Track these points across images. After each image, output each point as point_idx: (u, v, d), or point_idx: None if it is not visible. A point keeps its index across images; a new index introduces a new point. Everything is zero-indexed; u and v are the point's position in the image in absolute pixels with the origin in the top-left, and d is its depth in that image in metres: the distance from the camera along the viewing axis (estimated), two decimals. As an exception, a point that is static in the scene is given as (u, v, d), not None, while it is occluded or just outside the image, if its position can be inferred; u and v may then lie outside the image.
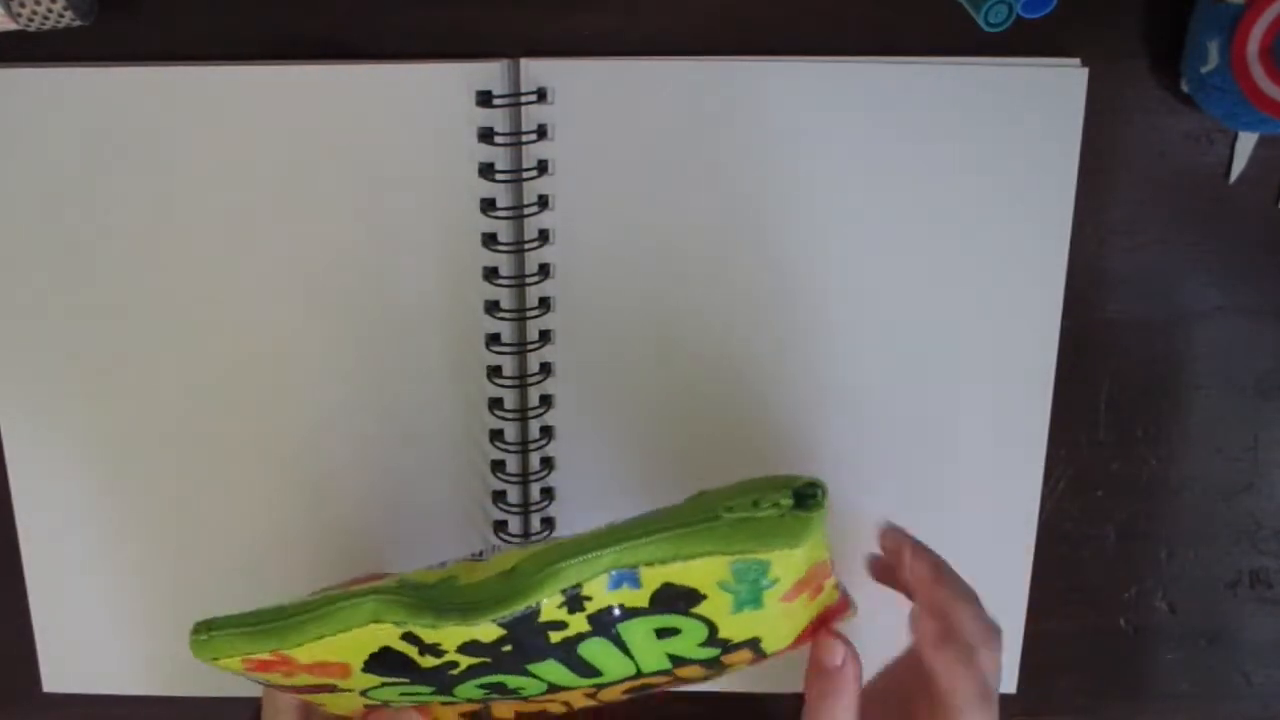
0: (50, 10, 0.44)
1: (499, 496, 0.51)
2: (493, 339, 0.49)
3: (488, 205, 0.48)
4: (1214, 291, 0.51)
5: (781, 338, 0.50)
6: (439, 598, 0.35)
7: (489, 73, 0.47)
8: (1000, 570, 0.53)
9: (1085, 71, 0.48)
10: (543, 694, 0.39)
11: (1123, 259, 0.51)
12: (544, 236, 0.49)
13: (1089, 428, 0.52)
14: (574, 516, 0.52)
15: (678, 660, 0.38)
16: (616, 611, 0.36)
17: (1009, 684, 0.54)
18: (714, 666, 0.39)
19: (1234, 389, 0.52)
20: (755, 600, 0.35)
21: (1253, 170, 0.50)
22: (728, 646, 0.38)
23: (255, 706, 0.53)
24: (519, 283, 0.49)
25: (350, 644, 0.36)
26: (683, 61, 0.47)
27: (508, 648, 0.36)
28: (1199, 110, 0.48)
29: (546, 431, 0.51)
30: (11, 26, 0.44)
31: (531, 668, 0.37)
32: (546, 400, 0.50)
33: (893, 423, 0.51)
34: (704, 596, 0.35)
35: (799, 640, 0.39)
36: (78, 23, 0.45)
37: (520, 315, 0.49)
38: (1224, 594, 0.55)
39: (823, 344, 0.50)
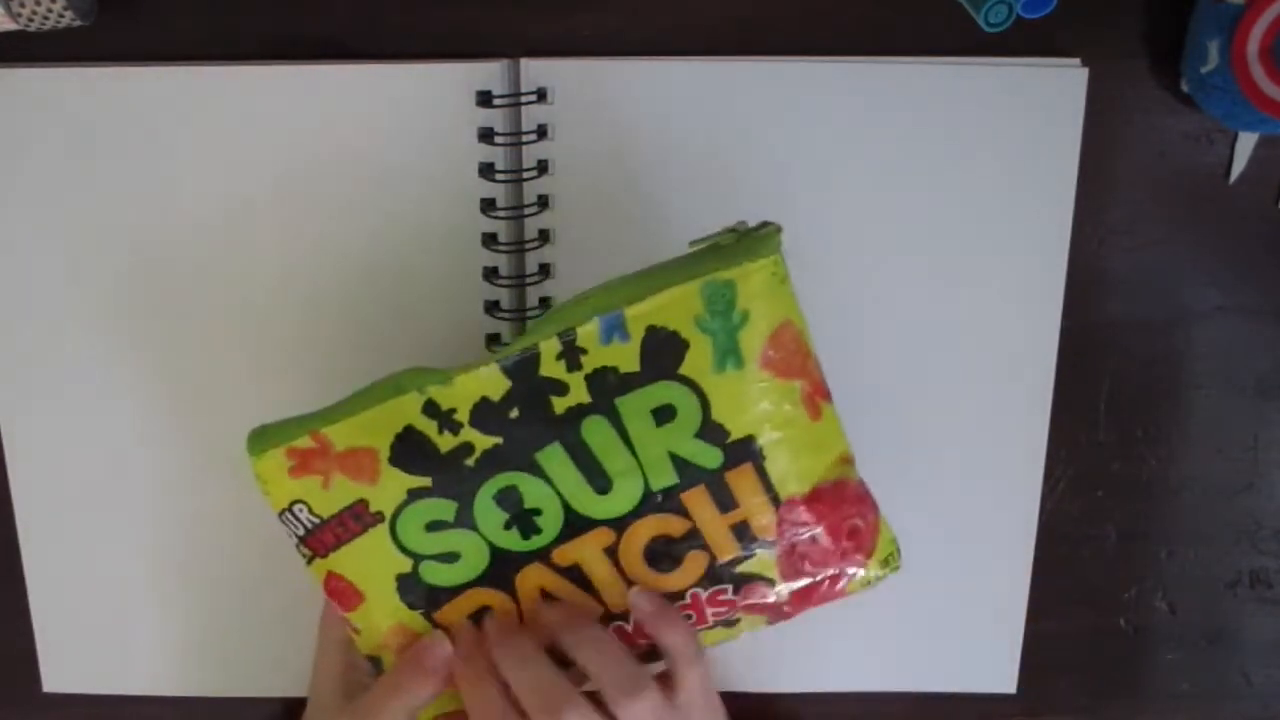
0: (50, 10, 0.44)
1: (499, 496, 0.51)
2: (493, 339, 0.49)
3: (488, 205, 0.48)
4: (1214, 291, 0.51)
5: (781, 338, 0.50)
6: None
7: (489, 73, 0.47)
8: (1000, 570, 0.53)
9: (1085, 71, 0.48)
10: (560, 527, 0.40)
11: (1123, 259, 0.51)
12: (544, 236, 0.49)
13: (1089, 428, 0.52)
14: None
15: (684, 470, 0.39)
16: (613, 379, 0.38)
17: (1009, 684, 0.54)
18: (725, 504, 0.40)
19: (1234, 389, 0.52)
20: (733, 351, 0.38)
21: (1253, 170, 0.50)
22: (728, 448, 0.39)
23: (270, 708, 0.54)
24: (519, 282, 0.49)
25: (380, 421, 0.40)
26: (683, 61, 0.47)
27: (515, 413, 0.39)
28: (1199, 110, 0.48)
29: (546, 431, 0.51)
30: (11, 26, 0.44)
31: (539, 458, 0.39)
32: (546, 400, 0.50)
33: (893, 422, 0.51)
34: (686, 343, 0.38)
35: (833, 535, 0.41)
36: (78, 23, 0.45)
37: (520, 315, 0.49)
38: (1224, 594, 0.55)
39: (822, 343, 0.50)
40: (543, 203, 0.48)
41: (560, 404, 0.39)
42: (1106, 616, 0.55)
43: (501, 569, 0.41)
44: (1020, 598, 0.53)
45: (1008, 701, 0.54)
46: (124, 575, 0.52)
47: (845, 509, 0.41)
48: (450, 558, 0.41)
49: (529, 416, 0.39)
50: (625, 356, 0.39)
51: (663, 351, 0.38)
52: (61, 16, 0.44)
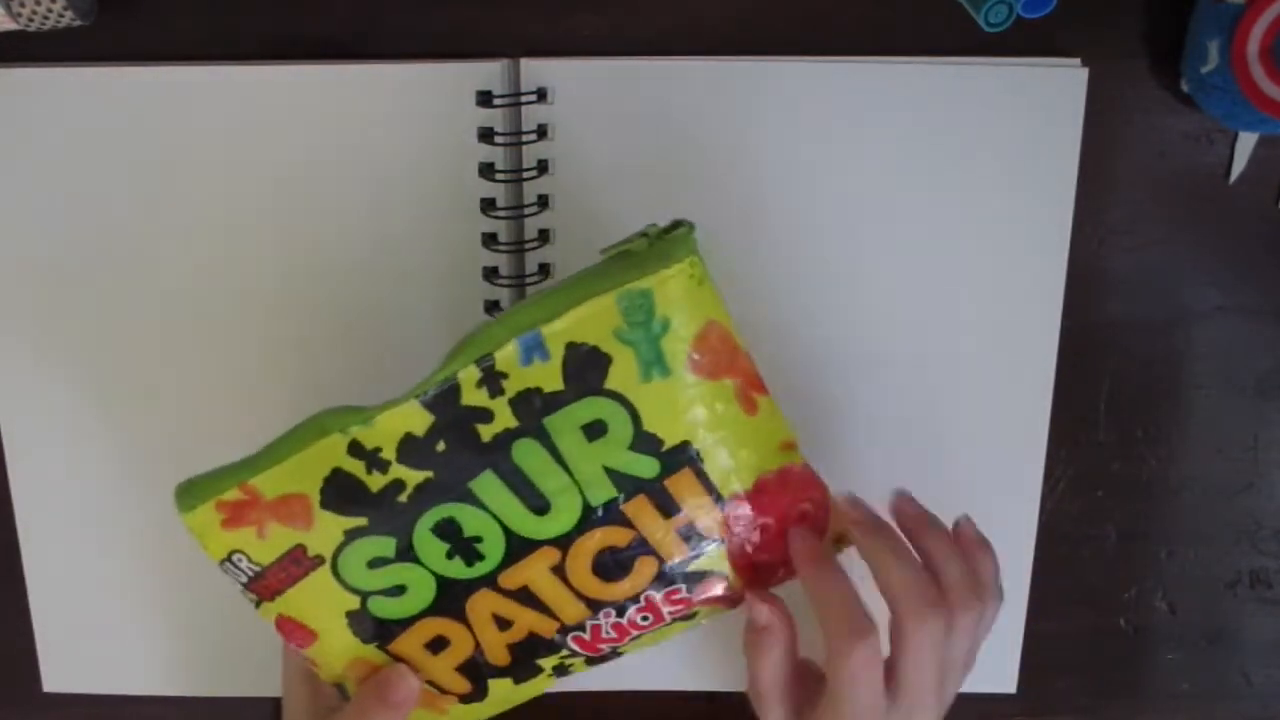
0: (50, 10, 0.44)
1: (499, 496, 0.51)
2: (493, 339, 0.49)
3: (488, 205, 0.48)
4: (1214, 291, 0.51)
5: (781, 337, 0.50)
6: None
7: (489, 73, 0.47)
8: (1000, 570, 0.53)
9: (1085, 71, 0.48)
10: (503, 552, 0.40)
11: (1123, 259, 0.51)
12: (544, 236, 0.49)
13: (1089, 428, 0.52)
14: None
15: (622, 482, 0.39)
16: (537, 401, 0.38)
17: (1009, 684, 0.54)
18: (667, 510, 0.40)
19: (1234, 389, 0.52)
20: (658, 360, 0.37)
21: (1253, 170, 0.50)
22: (664, 456, 0.39)
23: (269, 707, 0.54)
24: (519, 282, 0.49)
25: (306, 466, 0.38)
26: (682, 61, 0.47)
27: (442, 446, 0.38)
28: (1199, 110, 0.48)
29: (546, 431, 0.51)
30: (11, 26, 0.44)
31: (474, 487, 0.39)
32: (546, 400, 0.50)
33: (893, 422, 0.51)
34: (609, 357, 0.37)
35: (781, 523, 0.41)
36: (78, 23, 0.45)
37: (520, 315, 0.49)
38: (1224, 594, 0.55)
39: (822, 343, 0.50)
40: (543, 203, 0.48)
41: (487, 431, 0.38)
42: (1106, 616, 0.55)
43: (450, 597, 0.41)
44: (1020, 598, 0.53)
45: (1008, 701, 0.54)
46: (124, 575, 0.52)
47: (791, 495, 0.41)
48: (397, 591, 0.41)
49: (457, 447, 0.38)
50: (548, 376, 0.38)
51: (585, 367, 0.38)
52: (61, 16, 0.44)
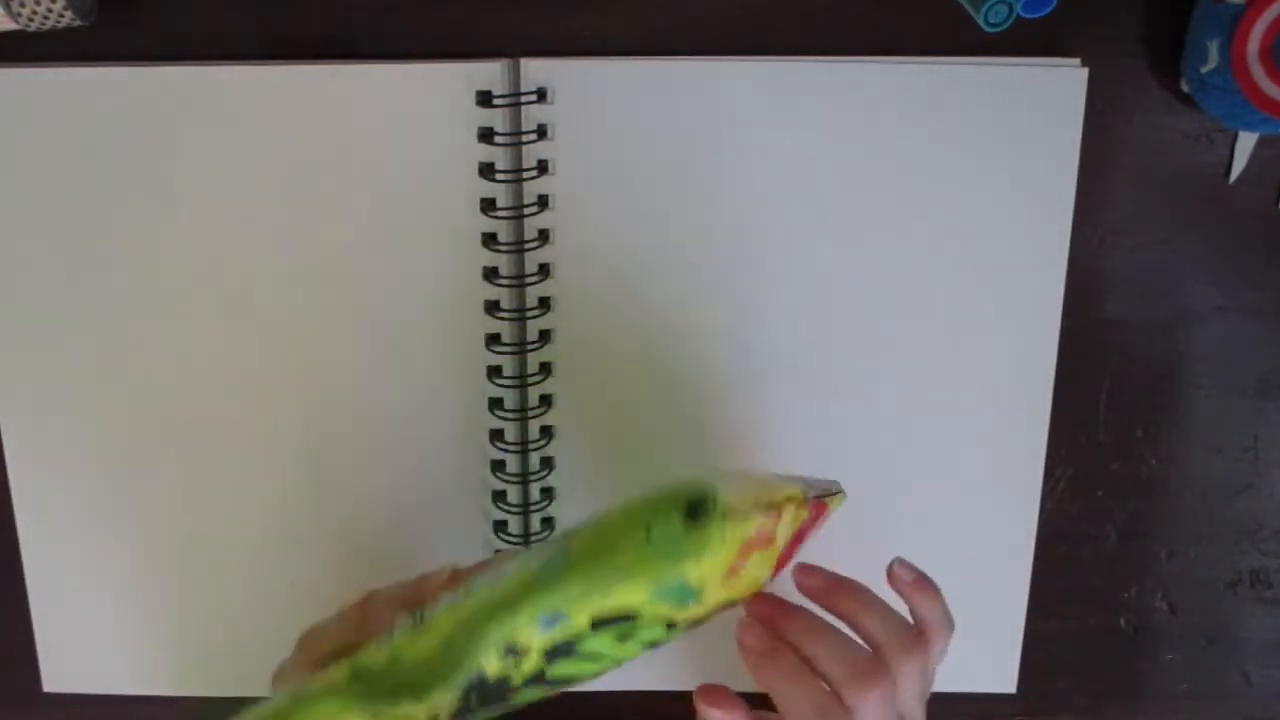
0: (50, 10, 0.44)
1: (499, 496, 0.51)
2: (493, 339, 0.49)
3: (488, 205, 0.48)
4: (1214, 291, 0.51)
5: (780, 337, 0.50)
6: (390, 683, 0.36)
7: (489, 73, 0.47)
8: (1000, 570, 0.53)
9: (1085, 71, 0.48)
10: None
11: (1123, 259, 0.51)
12: (544, 236, 0.49)
13: (1089, 428, 0.52)
14: (573, 517, 0.52)
15: (656, 644, 0.38)
16: (563, 646, 0.36)
17: (1009, 684, 0.54)
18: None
19: (1234, 389, 0.52)
20: (693, 597, 0.36)
21: (1253, 170, 0.50)
22: (699, 619, 0.37)
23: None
24: (519, 283, 0.49)
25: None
26: (683, 61, 0.47)
27: (475, 701, 0.36)
28: (1199, 110, 0.48)
29: (546, 431, 0.51)
30: (11, 26, 0.44)
31: (511, 700, 0.37)
32: (546, 400, 0.50)
33: (892, 423, 0.51)
34: (639, 614, 0.35)
35: (779, 567, 0.39)
36: (78, 23, 0.45)
37: (520, 315, 0.49)
38: (1224, 594, 0.55)
39: (822, 343, 0.50)
40: (543, 203, 0.48)
41: (519, 677, 0.36)
42: (1106, 616, 0.55)
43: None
44: (1020, 598, 0.53)
45: (1008, 701, 0.54)
46: (124, 575, 0.52)
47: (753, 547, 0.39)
48: None
49: (491, 698, 0.37)
50: (573, 630, 0.36)
51: (615, 619, 0.36)
52: (61, 16, 0.44)
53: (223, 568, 0.52)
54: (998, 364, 0.51)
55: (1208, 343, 0.52)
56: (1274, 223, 0.50)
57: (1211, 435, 0.53)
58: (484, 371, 0.50)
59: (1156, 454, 0.53)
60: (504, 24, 0.48)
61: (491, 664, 0.36)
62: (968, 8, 0.46)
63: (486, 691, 0.36)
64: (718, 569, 0.36)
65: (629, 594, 0.35)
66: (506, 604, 0.35)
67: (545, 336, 0.50)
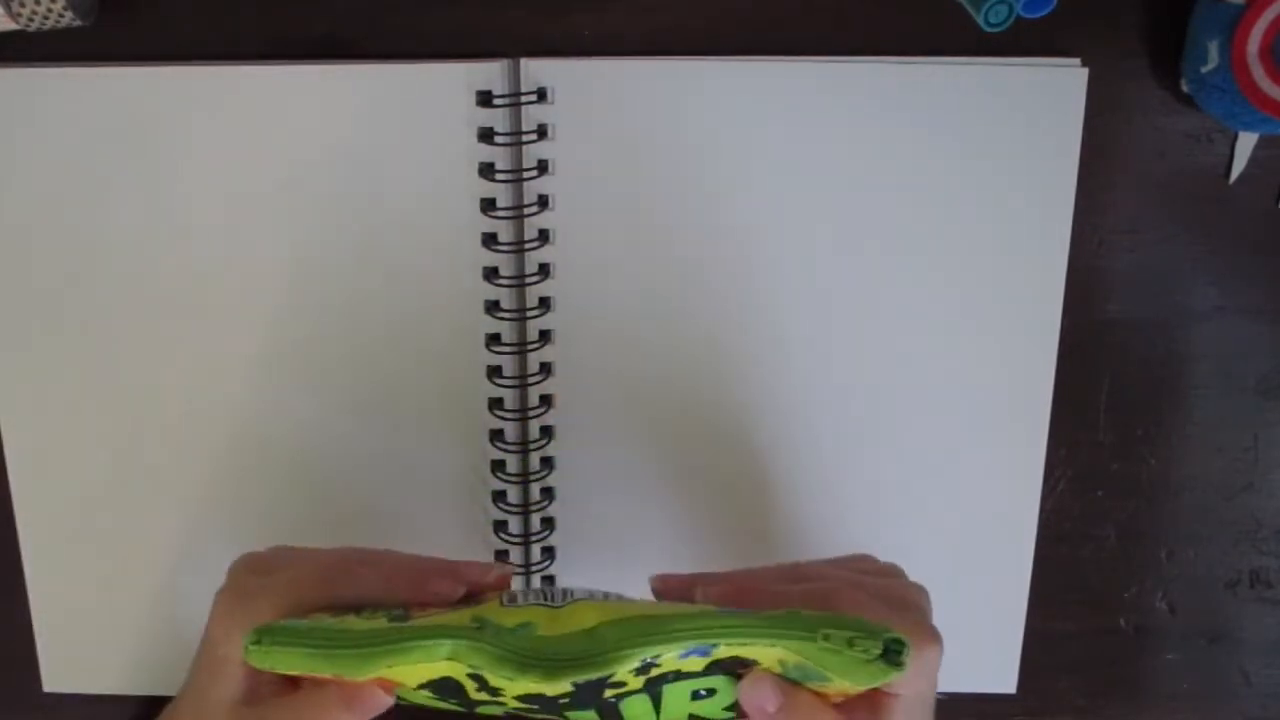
0: (50, 10, 0.44)
1: (499, 496, 0.51)
2: (493, 339, 0.49)
3: (488, 205, 0.48)
4: (1214, 291, 0.51)
5: (780, 335, 0.50)
6: (520, 647, 0.35)
7: (489, 73, 0.47)
8: (1000, 570, 0.53)
9: (1085, 71, 0.48)
10: None
11: (1123, 259, 0.51)
12: (544, 236, 0.49)
13: (1089, 428, 0.52)
14: (573, 517, 0.52)
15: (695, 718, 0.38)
16: (671, 677, 0.36)
17: (1009, 684, 0.54)
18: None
19: (1234, 389, 0.52)
20: (802, 679, 0.36)
21: (1253, 170, 0.50)
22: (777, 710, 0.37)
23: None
24: (519, 283, 0.49)
25: (415, 672, 0.35)
26: (683, 61, 0.47)
27: (565, 700, 0.35)
28: (1199, 110, 0.48)
29: (546, 432, 0.51)
30: (11, 26, 0.44)
31: (569, 714, 0.37)
32: (546, 400, 0.50)
33: (893, 422, 0.51)
34: (757, 662, 0.35)
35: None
36: (78, 23, 0.45)
37: (520, 315, 0.49)
38: (1224, 594, 0.55)
39: (822, 343, 0.50)
40: (543, 203, 0.48)
41: (613, 693, 0.36)
42: (1106, 616, 0.55)
43: None
44: (1020, 598, 0.53)
45: (1008, 701, 0.54)
46: (124, 575, 0.52)
47: None
48: None
49: (578, 701, 0.36)
50: (695, 664, 0.35)
51: (735, 665, 0.36)
52: (61, 16, 0.44)
53: (223, 568, 0.52)
54: (998, 364, 0.51)
55: (1208, 343, 0.52)
56: (1274, 223, 0.50)
57: (1211, 435, 0.53)
58: (484, 371, 0.50)
59: (1156, 454, 0.53)
60: (504, 24, 0.48)
61: (626, 671, 0.34)
62: (968, 8, 0.46)
63: (588, 692, 0.35)
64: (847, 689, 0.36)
65: (780, 653, 0.35)
66: (677, 633, 0.34)
67: (545, 336, 0.50)
